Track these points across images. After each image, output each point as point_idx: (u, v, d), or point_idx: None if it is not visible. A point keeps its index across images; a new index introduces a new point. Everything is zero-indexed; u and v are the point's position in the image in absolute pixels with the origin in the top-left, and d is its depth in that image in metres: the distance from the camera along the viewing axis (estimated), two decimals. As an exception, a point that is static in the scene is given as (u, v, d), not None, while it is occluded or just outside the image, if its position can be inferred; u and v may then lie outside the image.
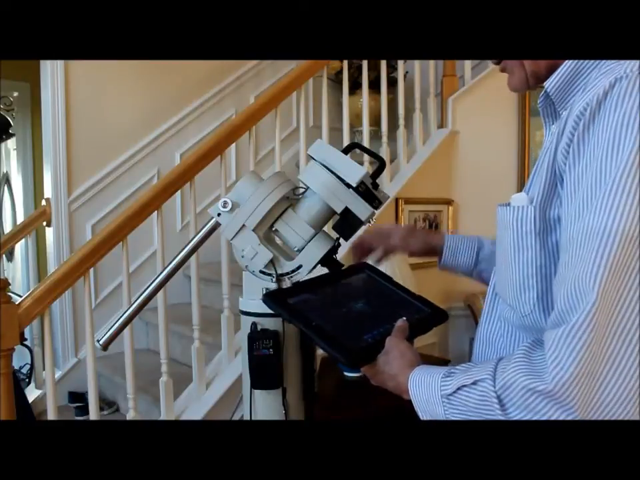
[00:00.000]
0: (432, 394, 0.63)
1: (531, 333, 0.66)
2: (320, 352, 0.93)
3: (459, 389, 0.60)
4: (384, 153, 2.57)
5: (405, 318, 0.78)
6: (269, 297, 0.80)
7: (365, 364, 0.73)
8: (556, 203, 0.62)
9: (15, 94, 3.78)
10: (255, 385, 0.97)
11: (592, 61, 0.62)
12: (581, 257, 0.53)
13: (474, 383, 0.59)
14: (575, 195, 0.56)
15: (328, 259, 0.97)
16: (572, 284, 0.53)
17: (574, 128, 0.57)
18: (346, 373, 2.03)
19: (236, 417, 1.22)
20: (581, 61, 0.63)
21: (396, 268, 2.15)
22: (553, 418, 0.51)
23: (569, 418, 0.51)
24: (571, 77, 0.64)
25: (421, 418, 0.65)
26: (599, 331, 0.50)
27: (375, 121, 2.84)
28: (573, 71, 0.64)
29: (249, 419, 0.99)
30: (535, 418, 0.53)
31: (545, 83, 0.67)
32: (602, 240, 0.51)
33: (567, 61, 0.64)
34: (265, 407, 0.99)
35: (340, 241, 1.00)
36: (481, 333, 0.77)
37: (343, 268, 0.97)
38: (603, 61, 0.61)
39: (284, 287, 0.95)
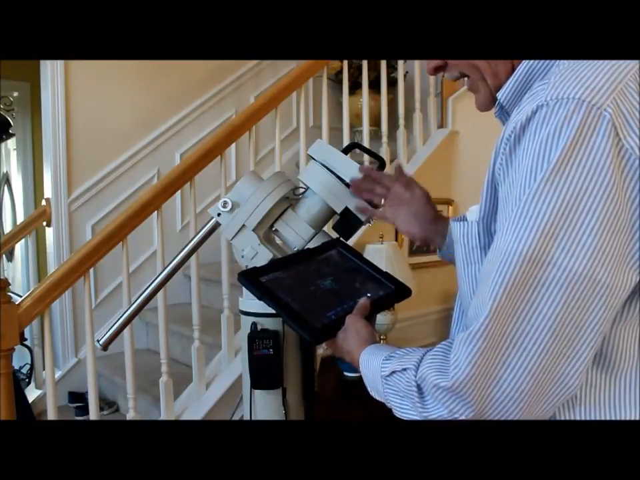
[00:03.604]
0: (375, 373, 0.69)
1: None
2: (320, 352, 0.93)
3: (393, 372, 0.66)
4: (384, 153, 2.57)
5: (369, 294, 0.85)
6: (243, 275, 0.83)
7: (327, 339, 0.79)
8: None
9: (15, 94, 3.78)
10: (254, 385, 0.97)
11: (536, 73, 0.63)
12: (487, 273, 0.57)
13: (403, 370, 0.64)
14: (502, 214, 0.59)
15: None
16: (477, 297, 0.58)
17: (504, 149, 0.59)
18: (346, 373, 2.04)
19: (236, 417, 1.22)
20: (528, 72, 0.64)
21: (395, 268, 2.15)
22: (455, 410, 0.57)
23: (468, 411, 0.56)
24: (520, 87, 0.65)
25: (370, 393, 0.71)
26: (493, 340, 0.55)
27: (375, 121, 2.83)
28: (522, 81, 0.64)
29: (249, 418, 0.99)
30: (441, 408, 0.58)
31: (497, 94, 0.67)
32: (502, 261, 0.55)
33: (516, 71, 0.65)
34: (264, 407, 0.99)
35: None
36: (452, 336, 0.79)
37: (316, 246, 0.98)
38: (539, 78, 0.62)
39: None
